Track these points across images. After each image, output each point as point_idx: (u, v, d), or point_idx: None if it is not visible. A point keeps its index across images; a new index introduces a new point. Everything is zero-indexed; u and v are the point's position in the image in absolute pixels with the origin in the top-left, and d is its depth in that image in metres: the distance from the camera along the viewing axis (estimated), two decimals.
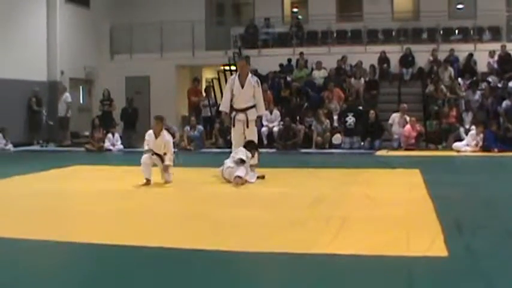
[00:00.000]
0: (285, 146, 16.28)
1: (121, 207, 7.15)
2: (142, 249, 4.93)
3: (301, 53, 20.19)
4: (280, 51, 20.92)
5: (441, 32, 20.63)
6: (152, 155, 8.89)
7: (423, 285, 4.00)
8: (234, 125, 9.78)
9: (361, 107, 17.55)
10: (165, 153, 8.94)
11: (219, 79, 19.66)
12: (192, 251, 4.84)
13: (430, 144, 16.20)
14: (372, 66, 19.55)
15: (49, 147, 18.10)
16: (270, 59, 20.31)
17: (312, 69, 19.89)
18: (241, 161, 8.92)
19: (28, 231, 5.59)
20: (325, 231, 5.48)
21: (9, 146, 16.81)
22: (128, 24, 21.36)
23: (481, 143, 14.96)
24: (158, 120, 9.18)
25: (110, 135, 17.10)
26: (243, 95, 9.66)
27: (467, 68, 19.14)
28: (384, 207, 6.78)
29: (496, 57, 18.99)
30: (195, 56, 21.57)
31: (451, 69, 18.59)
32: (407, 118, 16.19)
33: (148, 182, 8.74)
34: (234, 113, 9.75)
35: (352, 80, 18.95)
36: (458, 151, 14.97)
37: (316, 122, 16.62)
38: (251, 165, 9.20)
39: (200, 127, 17.42)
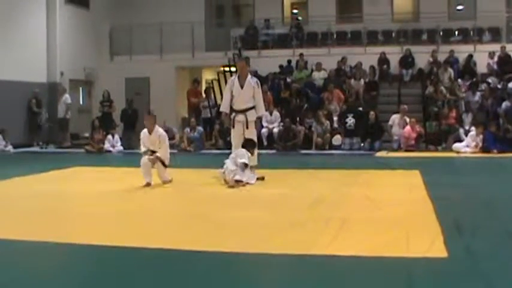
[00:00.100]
0: (285, 147, 16.28)
1: (121, 208, 7.15)
2: (142, 251, 4.93)
3: (301, 54, 20.20)
4: (280, 52, 20.93)
5: (441, 33, 20.63)
6: (150, 155, 8.87)
7: (423, 286, 4.00)
8: (233, 126, 9.78)
9: (361, 108, 17.55)
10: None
11: (218, 80, 19.66)
12: (192, 252, 4.84)
13: (430, 146, 16.19)
14: (372, 67, 19.57)
15: (49, 148, 18.10)
16: (269, 60, 20.32)
17: (312, 71, 19.91)
18: (245, 165, 8.90)
19: (28, 233, 5.59)
20: (325, 232, 5.48)
21: (9, 147, 16.82)
22: (128, 26, 21.37)
23: (480, 144, 14.96)
24: (149, 116, 9.20)
25: (109, 136, 17.11)
26: (243, 96, 9.67)
27: (467, 69, 19.15)
28: (384, 208, 6.78)
29: (495, 58, 18.99)
30: (194, 57, 21.58)
31: (450, 71, 18.61)
32: (407, 119, 16.19)
33: (148, 185, 8.75)
34: (233, 114, 9.75)
35: (352, 81, 18.96)
36: (458, 152, 14.97)
37: (316, 123, 16.62)
38: (251, 167, 9.19)
39: (200, 128, 17.42)
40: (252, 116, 9.69)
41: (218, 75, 20.11)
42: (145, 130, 9.09)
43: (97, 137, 17.14)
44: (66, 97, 19.13)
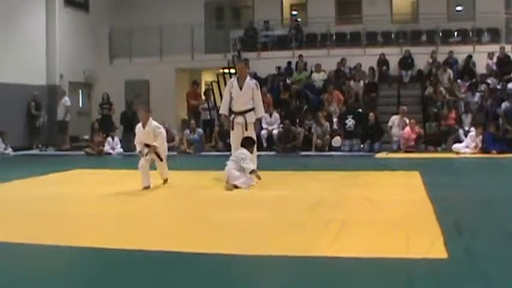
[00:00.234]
0: (284, 149, 16.29)
1: (121, 210, 7.14)
2: (142, 253, 4.92)
3: (301, 56, 20.20)
4: (279, 54, 20.95)
5: (440, 34, 20.66)
6: (146, 154, 8.83)
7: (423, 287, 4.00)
8: (233, 128, 9.78)
9: (360, 110, 17.56)
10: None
11: (218, 82, 19.67)
12: (192, 254, 4.84)
13: (430, 146, 16.21)
14: (371, 68, 19.58)
15: (48, 151, 18.11)
16: (269, 62, 20.33)
17: (312, 72, 19.92)
18: (252, 171, 8.89)
19: (28, 236, 5.59)
20: (325, 233, 5.48)
21: (9, 150, 16.82)
22: (127, 28, 21.38)
23: (480, 145, 14.97)
24: (142, 110, 9.19)
25: (109, 138, 17.12)
26: (242, 98, 9.67)
27: (467, 70, 19.16)
28: (384, 210, 6.78)
29: (495, 59, 19.00)
30: (194, 59, 21.59)
31: (450, 71, 18.64)
32: (407, 120, 16.20)
33: (147, 188, 8.73)
34: (232, 116, 9.75)
35: (352, 82, 18.98)
36: (457, 153, 14.98)
37: (316, 124, 16.62)
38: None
39: (200, 130, 17.42)
40: (251, 117, 9.69)
41: (218, 77, 20.12)
42: (139, 125, 9.07)
43: (97, 140, 17.14)
44: (66, 100, 19.15)
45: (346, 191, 8.48)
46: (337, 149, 16.33)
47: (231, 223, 6.18)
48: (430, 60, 19.53)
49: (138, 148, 9.06)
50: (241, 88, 9.68)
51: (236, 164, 8.85)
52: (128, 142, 17.36)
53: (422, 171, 10.24)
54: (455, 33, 21.00)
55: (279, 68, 20.18)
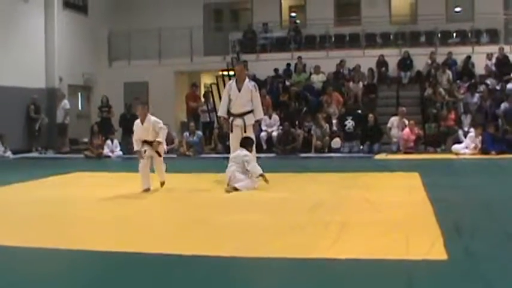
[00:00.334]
0: (284, 151, 16.28)
1: (120, 213, 7.14)
2: (142, 256, 4.92)
3: (300, 58, 20.22)
4: (278, 55, 20.97)
5: (439, 35, 20.69)
6: (144, 151, 8.78)
7: None
8: (231, 130, 9.77)
9: (360, 111, 17.56)
10: (154, 140, 8.87)
11: (217, 84, 19.67)
12: (192, 256, 4.83)
13: (429, 147, 16.21)
14: (370, 70, 19.60)
15: (48, 154, 18.09)
16: (268, 64, 20.33)
17: (311, 74, 19.93)
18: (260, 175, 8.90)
19: (27, 239, 5.58)
20: (325, 235, 5.47)
21: (8, 153, 16.80)
22: (126, 31, 21.39)
23: (479, 146, 14.97)
24: (141, 105, 9.09)
25: (108, 141, 17.11)
26: (240, 100, 9.66)
27: (466, 71, 19.18)
28: (384, 211, 6.77)
29: (493, 60, 19.01)
30: (193, 61, 21.61)
31: (449, 72, 18.66)
32: (406, 121, 16.20)
33: (147, 190, 8.73)
34: (231, 118, 9.74)
35: (351, 84, 18.99)
36: (457, 154, 14.97)
37: (315, 126, 16.62)
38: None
39: (199, 133, 17.42)
40: (250, 119, 9.68)
41: (217, 79, 20.12)
42: (137, 121, 8.98)
43: (96, 142, 17.14)
44: (65, 102, 19.16)
45: (346, 192, 8.48)
46: (337, 150, 16.33)
47: (231, 225, 6.17)
48: (429, 61, 19.55)
49: (136, 146, 8.94)
50: (239, 90, 9.68)
51: (239, 167, 8.83)
52: (127, 145, 17.34)
53: (421, 172, 10.24)
54: (454, 34, 21.02)
55: (276, 70, 20.16)
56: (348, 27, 21.87)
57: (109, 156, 16.74)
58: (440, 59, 19.49)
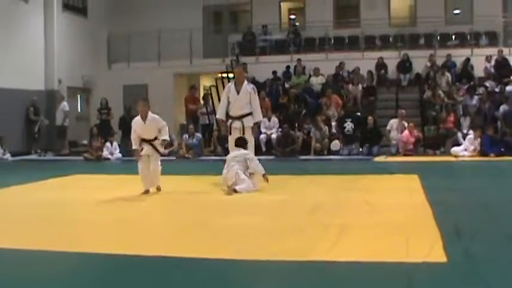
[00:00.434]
0: (283, 153, 16.29)
1: (120, 216, 7.13)
2: (141, 258, 4.91)
3: (299, 60, 20.23)
4: (277, 58, 20.97)
5: (438, 38, 20.71)
6: (141, 150, 8.69)
7: None
8: (230, 133, 9.76)
9: (359, 113, 17.57)
10: (155, 138, 8.76)
11: (216, 87, 19.68)
12: (191, 259, 4.83)
13: (428, 150, 16.23)
14: (370, 72, 19.62)
15: (47, 156, 18.08)
16: (267, 66, 20.35)
17: (310, 76, 19.94)
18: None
19: (26, 241, 5.57)
20: (325, 238, 5.47)
21: (7, 156, 16.79)
22: (126, 33, 21.39)
23: (478, 148, 14.98)
24: (144, 102, 8.92)
25: (108, 143, 17.11)
26: (239, 102, 9.66)
27: (465, 73, 19.19)
28: (383, 213, 6.77)
29: (492, 62, 19.03)
30: (192, 63, 21.61)
31: (448, 75, 18.68)
32: (406, 124, 16.20)
33: (147, 192, 8.71)
34: (230, 120, 9.74)
35: (350, 86, 19.00)
36: (456, 156, 14.98)
37: (314, 128, 16.62)
38: (250, 173, 9.15)
39: (198, 135, 17.42)
40: (248, 122, 9.67)
41: (216, 81, 20.12)
42: (137, 118, 8.82)
43: (95, 145, 17.13)
44: (64, 105, 19.15)
45: (346, 194, 8.48)
46: (336, 152, 16.34)
47: (230, 228, 6.17)
48: (429, 64, 19.55)
49: (134, 145, 8.82)
50: (238, 92, 9.67)
51: (242, 165, 8.81)
52: (126, 147, 17.36)
53: (421, 175, 10.24)
54: (453, 37, 21.04)
55: (275, 72, 20.16)
56: (347, 29, 21.89)
57: (108, 159, 16.74)
58: (439, 62, 19.51)
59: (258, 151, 9.86)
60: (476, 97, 17.56)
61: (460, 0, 21.93)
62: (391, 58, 20.09)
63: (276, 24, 22.72)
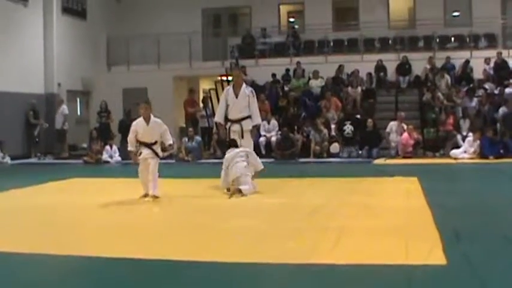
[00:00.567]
0: (283, 156, 16.28)
1: (119, 219, 7.13)
2: (140, 262, 4.91)
3: (298, 63, 20.24)
4: (277, 61, 20.99)
5: (437, 40, 20.73)
6: (139, 154, 8.58)
7: None
8: (229, 136, 9.75)
9: (358, 116, 17.57)
10: (155, 142, 8.64)
11: (216, 89, 19.68)
12: (191, 262, 4.82)
13: (428, 152, 16.22)
14: (369, 74, 19.65)
15: (47, 159, 18.07)
16: (267, 69, 20.35)
17: (309, 79, 19.94)
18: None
19: (26, 245, 5.56)
20: (324, 240, 5.47)
21: (7, 159, 16.78)
22: (125, 36, 21.41)
23: (478, 150, 14.98)
24: (147, 105, 8.77)
25: (107, 147, 17.11)
26: (237, 105, 9.65)
27: (464, 75, 19.20)
28: (382, 216, 6.77)
29: (491, 64, 19.04)
30: (192, 66, 21.60)
31: (447, 77, 18.68)
32: (405, 126, 16.20)
33: (146, 195, 8.64)
34: (229, 123, 9.73)
35: (349, 88, 19.00)
36: (455, 158, 14.98)
37: (314, 131, 16.61)
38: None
39: (198, 138, 17.41)
40: (247, 125, 9.67)
41: (215, 84, 20.14)
42: (139, 120, 8.68)
43: (95, 148, 17.14)
44: (64, 108, 19.15)
45: (345, 197, 8.48)
46: (336, 155, 16.33)
47: (230, 231, 6.17)
48: (428, 66, 19.55)
49: (130, 146, 8.70)
50: (237, 96, 9.67)
51: (245, 160, 8.83)
52: (126, 150, 17.35)
53: (420, 177, 10.23)
54: (452, 39, 21.06)
55: (274, 75, 20.17)
56: (346, 32, 21.92)
57: (108, 162, 16.73)
58: (438, 64, 19.51)
59: (257, 154, 9.83)
60: (475, 99, 17.57)
61: (459, 2, 21.98)
62: (391, 60, 20.10)
63: (275, 27, 22.74)
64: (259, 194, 8.70)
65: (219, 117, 9.93)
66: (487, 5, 20.52)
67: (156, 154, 8.66)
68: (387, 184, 10.20)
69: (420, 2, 21.76)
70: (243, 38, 22.03)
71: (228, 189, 9.11)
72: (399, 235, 5.60)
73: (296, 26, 23.01)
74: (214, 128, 17.33)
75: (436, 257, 4.74)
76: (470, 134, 15.52)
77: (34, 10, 19.34)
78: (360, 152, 16.41)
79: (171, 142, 8.79)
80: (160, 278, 4.46)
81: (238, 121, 9.63)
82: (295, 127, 17.49)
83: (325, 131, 16.68)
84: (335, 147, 16.46)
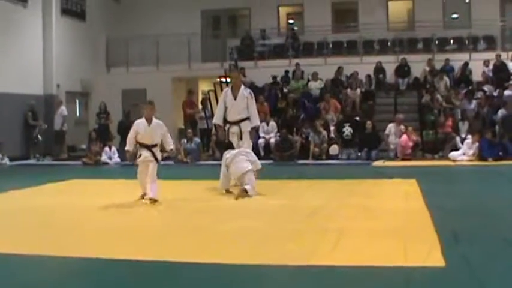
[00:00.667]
0: (282, 157, 16.28)
1: (118, 221, 7.13)
2: (140, 263, 4.91)
3: (297, 64, 20.24)
4: (276, 62, 20.99)
5: (436, 42, 20.75)
6: (139, 156, 8.56)
7: None
8: (228, 138, 9.75)
9: (357, 118, 17.58)
10: (156, 145, 8.55)
11: (215, 91, 19.69)
12: (190, 264, 4.82)
13: (427, 154, 16.23)
14: (368, 76, 19.66)
15: (46, 161, 18.06)
16: (266, 71, 20.35)
17: (308, 80, 19.94)
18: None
19: (24, 246, 5.56)
20: (323, 242, 5.47)
21: (5, 160, 16.76)
22: (124, 37, 21.41)
23: (477, 152, 14.99)
24: (152, 106, 8.70)
25: (106, 148, 17.10)
26: (236, 107, 9.65)
27: (463, 78, 19.21)
28: (381, 218, 6.77)
29: (490, 66, 19.05)
30: (191, 68, 21.61)
31: (446, 79, 18.70)
32: (403, 128, 16.20)
33: (145, 195, 8.61)
34: (227, 125, 9.73)
35: (348, 90, 19.01)
36: (454, 161, 14.98)
37: (313, 133, 16.61)
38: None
39: (197, 139, 17.42)
40: (245, 126, 9.67)
41: (214, 86, 20.14)
42: (141, 120, 8.57)
43: (94, 149, 17.13)
44: (63, 109, 19.15)
45: (344, 199, 8.48)
46: (335, 157, 16.33)
47: (229, 232, 6.16)
48: (427, 68, 19.56)
49: (128, 146, 8.61)
50: (235, 98, 9.66)
51: (248, 160, 8.86)
52: (125, 152, 17.34)
53: (419, 179, 10.24)
54: (451, 41, 21.08)
55: (274, 77, 20.18)
56: (345, 34, 21.93)
57: (107, 163, 16.72)
58: (437, 66, 19.53)
59: (256, 155, 9.83)
60: (474, 101, 17.57)
61: (458, 4, 22.02)
62: (390, 62, 20.11)
63: (274, 28, 22.75)
64: (259, 196, 8.69)
65: (217, 119, 9.92)
66: (486, 7, 20.55)
67: (156, 158, 8.55)
68: (386, 186, 10.20)
69: (419, 4, 21.79)
70: (242, 40, 22.04)
71: (227, 191, 9.14)
72: (398, 237, 5.60)
73: (295, 28, 23.02)
74: (213, 130, 17.38)
75: (434, 258, 4.75)
76: (469, 136, 15.52)
77: (33, 11, 19.34)
78: (359, 153, 16.42)
79: (172, 147, 8.74)
80: (160, 279, 4.46)
81: (237, 123, 9.63)
82: (294, 129, 17.50)
83: (324, 132, 16.68)
84: (334, 149, 16.46)
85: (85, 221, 7.08)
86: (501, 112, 16.65)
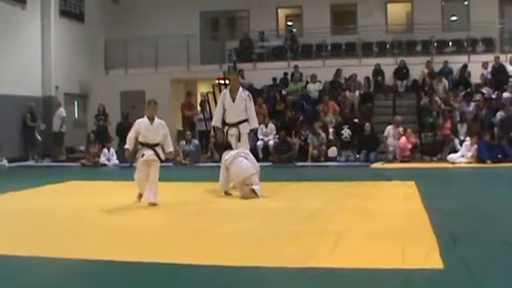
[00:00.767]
0: (280, 160, 16.29)
1: (117, 222, 7.12)
2: (139, 265, 4.90)
3: (296, 66, 20.25)
4: (275, 64, 20.99)
5: (435, 44, 20.76)
6: (142, 156, 8.46)
7: None
8: (227, 140, 9.75)
9: (356, 120, 17.59)
10: (158, 144, 8.46)
11: (214, 93, 19.69)
12: (189, 266, 4.82)
13: (425, 156, 16.24)
14: (367, 78, 19.68)
15: (44, 162, 18.05)
16: (265, 73, 20.37)
17: (307, 83, 19.95)
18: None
19: (23, 248, 5.55)
20: (322, 244, 5.47)
21: (4, 162, 16.75)
22: (123, 39, 21.40)
23: (475, 154, 15.00)
24: (155, 105, 8.65)
25: (105, 150, 17.10)
26: (234, 109, 9.64)
27: (462, 80, 19.23)
28: (380, 220, 6.78)
29: (489, 69, 19.07)
30: (190, 70, 21.62)
31: (445, 81, 18.71)
32: (401, 130, 16.21)
33: (141, 196, 8.55)
34: (226, 127, 9.73)
35: (347, 92, 19.02)
36: (453, 163, 14.99)
37: (311, 135, 16.62)
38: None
39: (196, 141, 17.42)
40: (244, 129, 9.66)
41: (213, 87, 20.14)
42: (143, 119, 8.50)
43: (93, 151, 17.13)
44: (61, 111, 19.13)
45: (343, 201, 8.48)
46: (333, 159, 16.34)
47: (228, 234, 6.16)
48: (426, 71, 19.57)
49: (128, 144, 8.52)
50: (234, 100, 9.65)
51: (252, 163, 8.89)
52: (124, 153, 17.33)
53: (418, 181, 10.25)
54: (450, 43, 21.11)
55: (275, 79, 20.19)
56: (344, 36, 21.96)
57: (105, 165, 16.73)
58: (436, 68, 19.55)
59: (255, 158, 9.84)
60: (473, 104, 17.59)
61: (456, 7, 22.06)
62: (388, 65, 20.14)
63: (273, 30, 22.77)
64: (258, 198, 8.69)
65: (216, 121, 9.92)
66: (485, 10, 20.57)
67: (159, 157, 8.50)
68: (385, 188, 10.21)
69: (418, 6, 21.81)
70: (241, 42, 22.05)
71: (226, 192, 9.15)
72: (397, 239, 5.60)
73: (294, 30, 23.05)
74: (212, 132, 17.38)
75: (433, 260, 4.75)
76: (468, 138, 15.54)
77: (32, 13, 19.33)
78: (358, 156, 16.43)
79: (171, 150, 8.67)
80: (159, 281, 4.46)
81: (236, 125, 9.63)
82: (293, 131, 17.51)
83: (323, 134, 16.69)
84: (333, 151, 16.47)
85: (84, 223, 7.08)
86: (500, 114, 16.66)
